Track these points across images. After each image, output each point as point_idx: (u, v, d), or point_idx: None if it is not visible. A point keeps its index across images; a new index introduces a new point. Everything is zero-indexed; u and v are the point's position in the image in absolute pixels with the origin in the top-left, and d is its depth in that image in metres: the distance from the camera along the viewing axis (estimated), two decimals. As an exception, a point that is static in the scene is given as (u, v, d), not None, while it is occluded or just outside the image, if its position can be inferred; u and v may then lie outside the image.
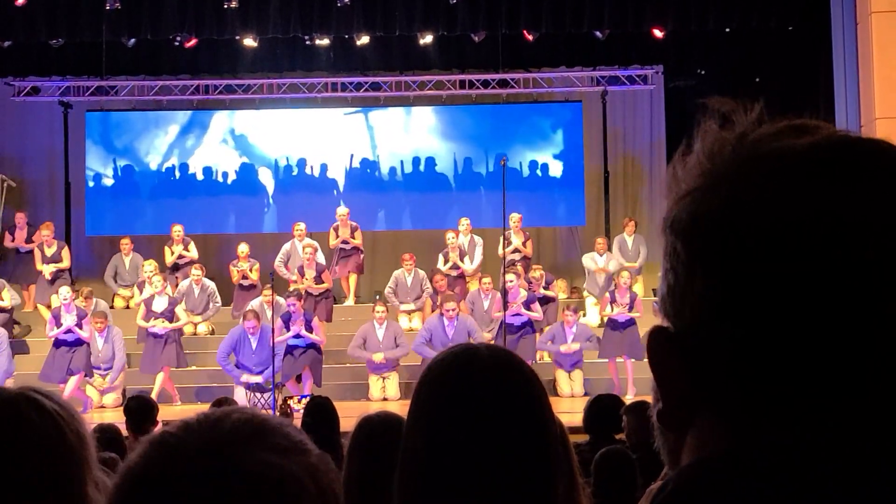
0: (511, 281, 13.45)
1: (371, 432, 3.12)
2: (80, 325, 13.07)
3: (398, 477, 1.67)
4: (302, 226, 15.48)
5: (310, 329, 13.12)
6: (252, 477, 0.94)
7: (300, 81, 16.82)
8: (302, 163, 17.25)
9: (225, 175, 17.35)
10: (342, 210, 15.51)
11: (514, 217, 14.96)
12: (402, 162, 17.35)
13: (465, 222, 15.24)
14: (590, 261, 15.33)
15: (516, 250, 15.00)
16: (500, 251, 14.38)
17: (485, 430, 1.62)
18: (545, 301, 14.09)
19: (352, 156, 17.24)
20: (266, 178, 17.29)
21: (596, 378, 13.76)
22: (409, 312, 14.77)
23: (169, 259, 15.43)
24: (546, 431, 1.65)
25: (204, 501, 0.92)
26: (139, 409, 7.12)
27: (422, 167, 17.36)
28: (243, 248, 15.17)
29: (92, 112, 17.27)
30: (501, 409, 1.64)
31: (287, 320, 13.11)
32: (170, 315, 13.54)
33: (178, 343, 13.50)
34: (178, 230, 15.52)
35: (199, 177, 17.32)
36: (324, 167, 17.28)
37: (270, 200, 17.22)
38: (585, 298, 15.29)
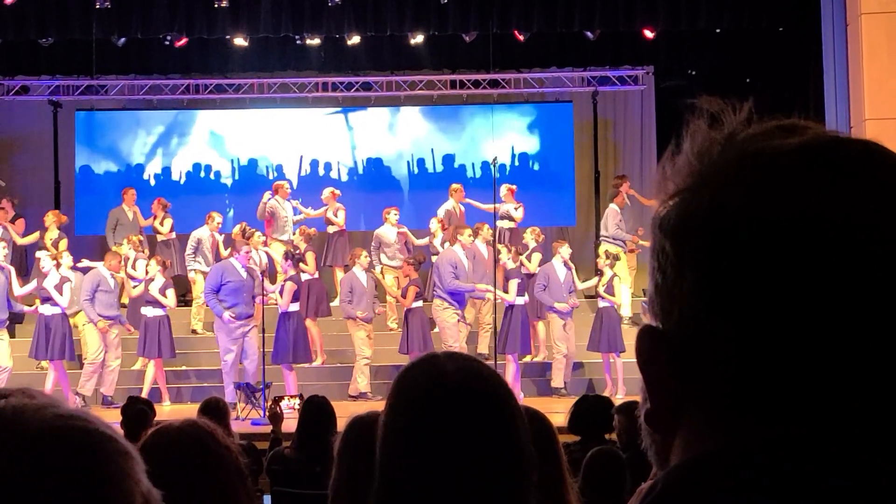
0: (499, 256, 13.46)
1: (361, 433, 3.09)
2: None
3: (374, 495, 1.68)
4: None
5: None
6: (44, 434, 0.90)
7: (291, 81, 16.83)
8: (274, 163, 17.33)
9: (214, 174, 17.35)
10: (326, 192, 15.50)
11: (506, 187, 14.95)
12: (388, 161, 17.37)
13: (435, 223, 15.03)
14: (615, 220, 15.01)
15: (508, 217, 14.90)
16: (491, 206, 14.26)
17: (457, 453, 1.62)
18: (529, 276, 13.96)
19: (320, 158, 17.32)
20: (259, 176, 17.29)
21: (585, 378, 13.79)
22: (394, 268, 14.63)
23: (162, 230, 15.36)
24: (518, 450, 1.65)
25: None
26: (137, 413, 7.09)
27: (410, 167, 17.38)
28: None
29: (81, 111, 17.24)
30: (472, 433, 1.64)
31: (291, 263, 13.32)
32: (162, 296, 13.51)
33: (169, 330, 13.45)
34: (157, 204, 15.47)
35: (186, 177, 17.33)
36: (312, 165, 17.32)
37: (227, 202, 17.21)
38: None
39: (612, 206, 15.32)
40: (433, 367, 1.70)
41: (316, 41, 15.85)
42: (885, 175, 0.84)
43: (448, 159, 17.37)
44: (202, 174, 17.38)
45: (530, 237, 14.28)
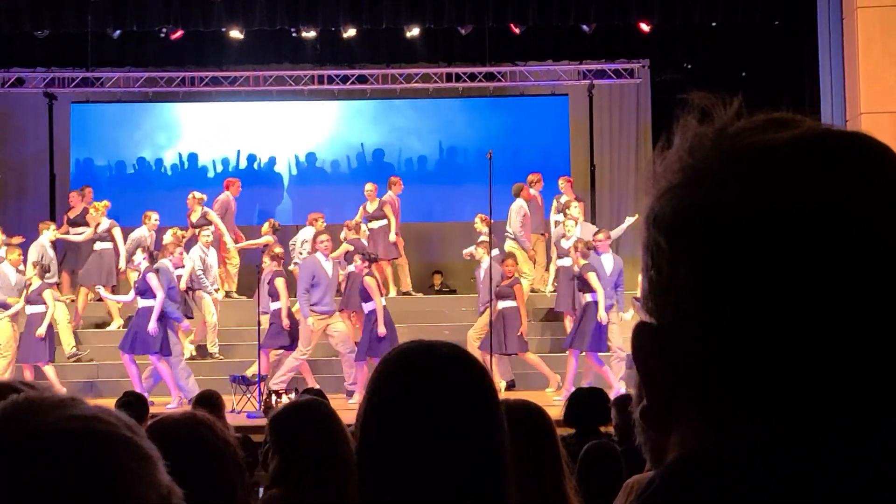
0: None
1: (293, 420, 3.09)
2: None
3: (360, 471, 1.69)
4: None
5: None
6: (61, 433, 0.91)
7: (286, 74, 16.81)
8: (267, 157, 17.31)
9: (209, 167, 17.34)
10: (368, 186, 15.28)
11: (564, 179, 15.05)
12: (383, 155, 17.35)
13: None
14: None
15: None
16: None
17: (441, 423, 1.64)
18: None
19: (317, 148, 17.32)
20: (255, 169, 17.29)
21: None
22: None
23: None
24: (497, 424, 1.68)
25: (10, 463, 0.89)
26: (134, 405, 7.10)
27: (407, 160, 17.35)
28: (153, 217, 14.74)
29: (77, 104, 17.20)
30: (457, 403, 1.66)
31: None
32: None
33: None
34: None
35: (181, 169, 17.33)
36: (300, 159, 17.35)
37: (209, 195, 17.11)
38: None
39: (520, 202, 14.93)
40: (425, 344, 1.74)
41: (311, 34, 15.81)
42: (875, 167, 0.84)
43: (443, 153, 17.35)
44: (197, 166, 17.36)
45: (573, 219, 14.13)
